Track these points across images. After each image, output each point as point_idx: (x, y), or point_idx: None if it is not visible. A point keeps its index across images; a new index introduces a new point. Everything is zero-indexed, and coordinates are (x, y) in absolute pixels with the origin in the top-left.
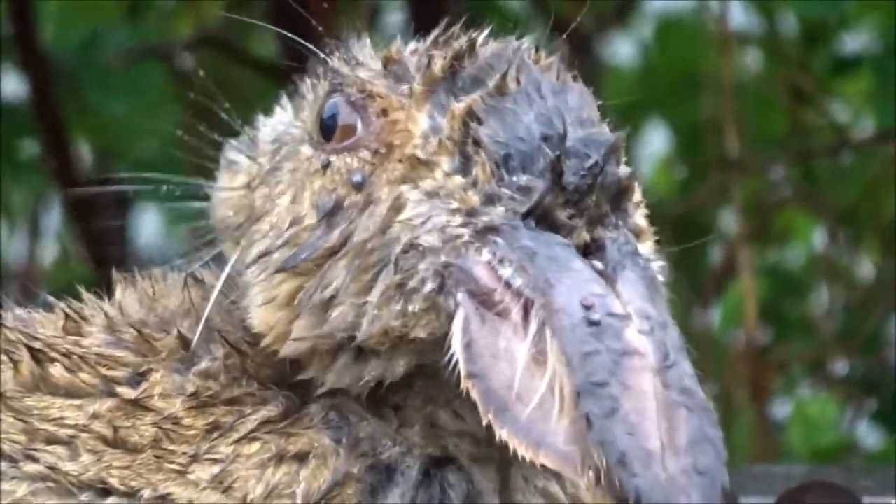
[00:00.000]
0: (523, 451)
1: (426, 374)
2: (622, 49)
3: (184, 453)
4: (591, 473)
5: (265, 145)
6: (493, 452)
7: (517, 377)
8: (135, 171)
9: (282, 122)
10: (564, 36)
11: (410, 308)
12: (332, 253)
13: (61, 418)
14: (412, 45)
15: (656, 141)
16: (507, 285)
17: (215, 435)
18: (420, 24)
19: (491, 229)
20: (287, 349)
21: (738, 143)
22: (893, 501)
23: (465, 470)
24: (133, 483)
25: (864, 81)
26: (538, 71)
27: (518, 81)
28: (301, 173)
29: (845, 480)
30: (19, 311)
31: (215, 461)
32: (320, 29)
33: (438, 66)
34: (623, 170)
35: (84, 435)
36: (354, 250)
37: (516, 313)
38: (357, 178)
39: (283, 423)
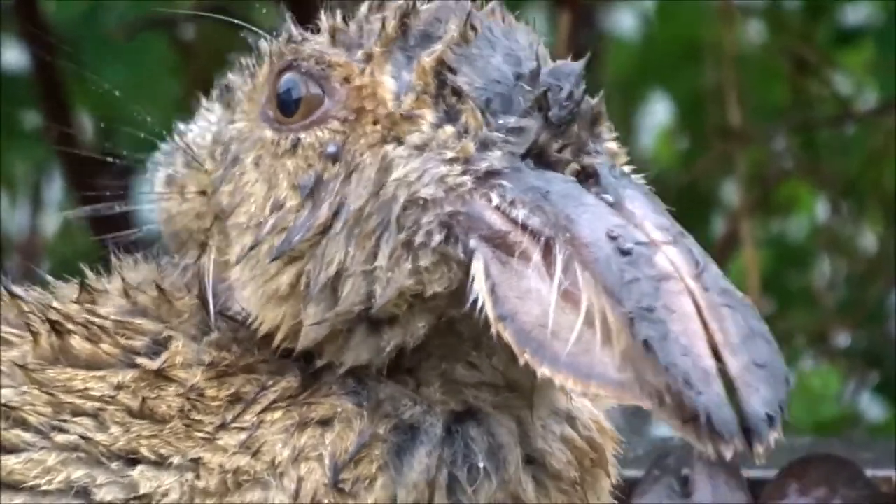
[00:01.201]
0: (570, 385)
1: (440, 332)
2: (624, 20)
3: (210, 423)
4: (653, 397)
5: (203, 150)
6: (512, 399)
7: (550, 315)
8: (136, 142)
9: (213, 123)
10: (567, 7)
11: (422, 264)
12: (326, 228)
13: (86, 390)
14: (367, 4)
15: (659, 112)
16: (523, 227)
17: (239, 407)
18: None
19: (493, 173)
20: (304, 340)
21: (740, 113)
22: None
23: (486, 423)
24: (163, 451)
25: (867, 52)
26: (484, 16)
27: (474, 29)
28: (269, 158)
29: (847, 452)
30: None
31: (242, 429)
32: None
33: (391, 26)
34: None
35: (111, 407)
36: (351, 219)
37: (537, 254)
38: (331, 148)
39: (303, 394)
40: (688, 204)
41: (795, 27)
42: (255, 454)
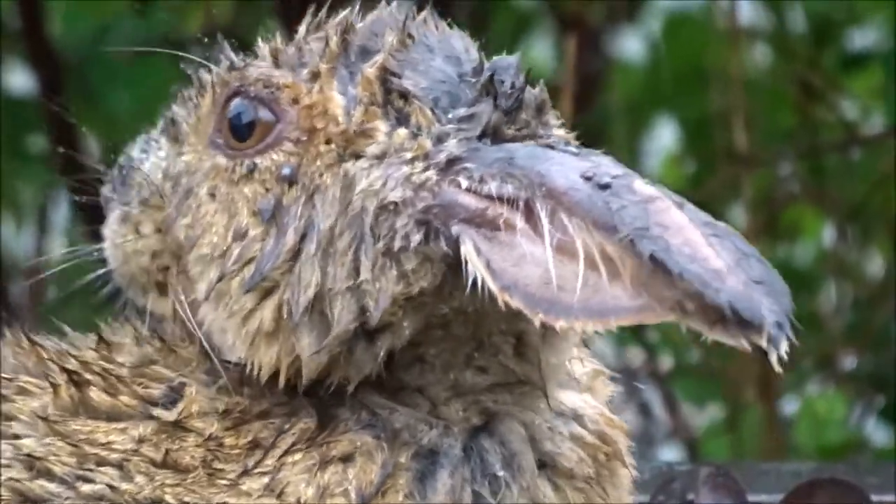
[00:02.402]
0: (592, 327)
1: (437, 340)
2: (631, 44)
3: (232, 470)
4: (675, 309)
5: (151, 187)
6: (529, 394)
7: (551, 271)
8: None
9: (161, 158)
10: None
11: (407, 268)
12: (295, 253)
13: (109, 443)
14: (304, 26)
15: (665, 136)
16: (499, 199)
17: (259, 453)
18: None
19: (455, 160)
20: (308, 373)
21: (746, 138)
22: None
23: (497, 433)
24: (187, 498)
25: (874, 77)
26: (419, 25)
27: (411, 37)
28: (225, 186)
29: (853, 477)
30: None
31: (264, 473)
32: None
33: (334, 43)
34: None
35: (135, 458)
36: (324, 240)
37: (520, 220)
38: (286, 171)
39: (321, 434)
40: None
41: (802, 52)
42: (279, 495)
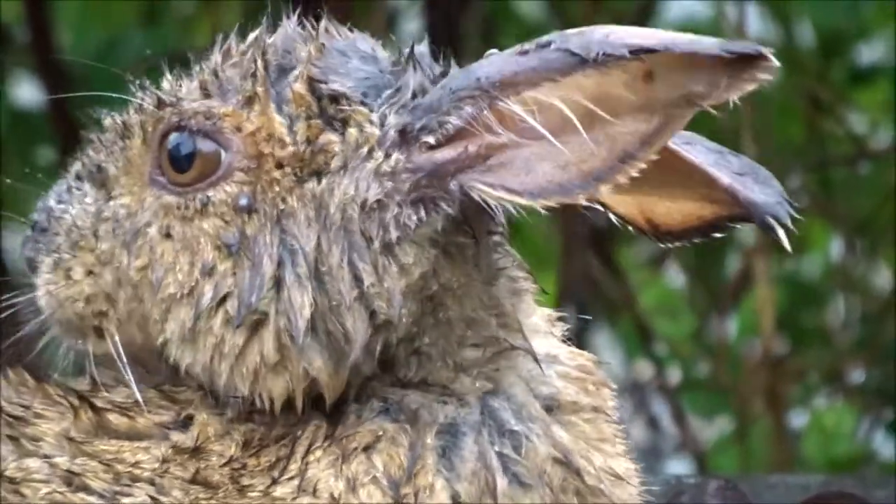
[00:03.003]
0: (634, 173)
1: (427, 327)
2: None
3: (262, 483)
4: (686, 86)
5: (86, 231)
6: (520, 352)
7: (562, 154)
8: None
9: (89, 204)
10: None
11: (406, 260)
12: (277, 280)
13: (137, 462)
14: (207, 65)
15: None
16: (468, 130)
17: (281, 465)
18: (436, 28)
19: (405, 129)
20: (333, 393)
21: (755, 152)
22: None
23: (500, 389)
24: None
25: (882, 91)
26: (325, 34)
27: (323, 46)
28: (179, 224)
29: (861, 491)
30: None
31: (292, 478)
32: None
33: (261, 66)
34: None
35: (167, 476)
36: (311, 262)
37: (500, 133)
38: (243, 201)
39: (335, 431)
40: (703, 242)
41: (811, 66)
42: (313, 493)
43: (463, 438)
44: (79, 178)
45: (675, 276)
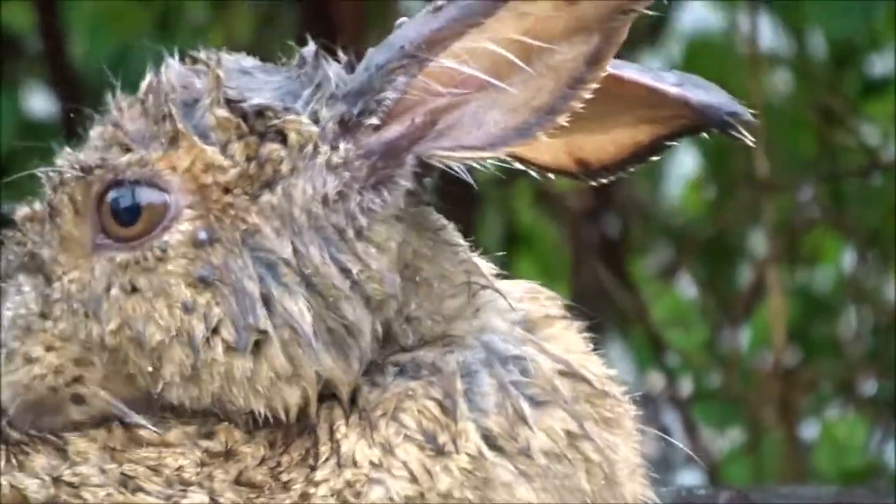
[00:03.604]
0: (596, 83)
1: (410, 292)
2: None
3: (301, 472)
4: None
5: (33, 316)
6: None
7: (510, 93)
8: None
9: (28, 292)
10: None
11: (379, 239)
12: (266, 297)
13: (181, 467)
14: (114, 112)
15: (686, 161)
16: (411, 103)
17: (312, 454)
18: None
19: (343, 118)
20: (348, 388)
21: (767, 163)
22: None
23: (486, 326)
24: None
25: (894, 103)
26: (213, 61)
27: (218, 75)
28: (142, 276)
29: (873, 501)
30: None
31: (327, 459)
32: (349, 42)
33: (170, 106)
34: None
35: (214, 479)
36: (294, 267)
37: (439, 88)
38: (202, 235)
39: (353, 407)
40: (715, 253)
41: (822, 77)
42: (354, 465)
43: (478, 376)
44: (6, 276)
45: (687, 288)
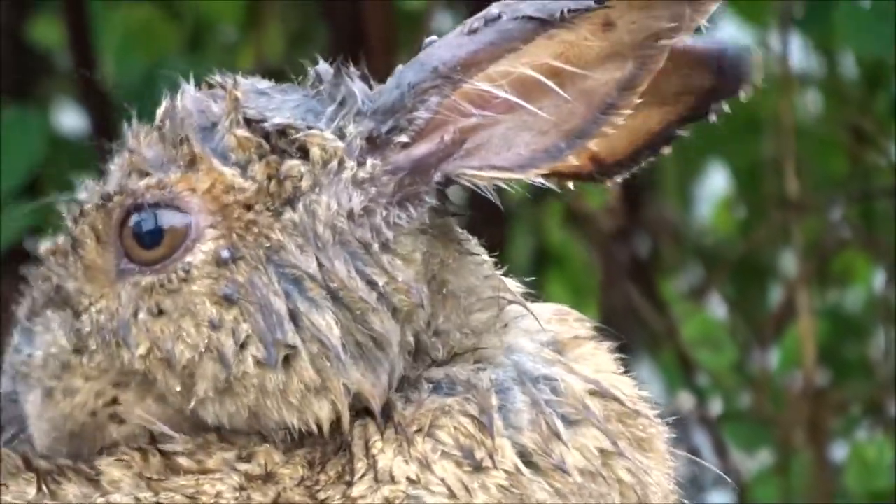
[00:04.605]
0: (623, 114)
1: (438, 304)
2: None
3: (339, 490)
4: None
5: (65, 353)
6: None
7: (540, 115)
8: None
9: (56, 329)
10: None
11: (404, 251)
12: (294, 313)
13: (219, 493)
14: (131, 140)
15: (717, 181)
16: (441, 121)
17: (348, 471)
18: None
19: (371, 134)
20: (379, 402)
21: (797, 184)
22: None
23: (514, 346)
24: None
25: None
26: (230, 84)
27: (237, 96)
28: (168, 298)
29: None
30: None
31: (363, 475)
32: (379, 61)
33: (187, 130)
34: None
35: (251, 502)
36: (319, 281)
37: (471, 109)
38: (225, 254)
39: (387, 423)
40: (745, 273)
41: (853, 98)
42: (391, 481)
43: (511, 393)
44: (33, 314)
45: (717, 308)
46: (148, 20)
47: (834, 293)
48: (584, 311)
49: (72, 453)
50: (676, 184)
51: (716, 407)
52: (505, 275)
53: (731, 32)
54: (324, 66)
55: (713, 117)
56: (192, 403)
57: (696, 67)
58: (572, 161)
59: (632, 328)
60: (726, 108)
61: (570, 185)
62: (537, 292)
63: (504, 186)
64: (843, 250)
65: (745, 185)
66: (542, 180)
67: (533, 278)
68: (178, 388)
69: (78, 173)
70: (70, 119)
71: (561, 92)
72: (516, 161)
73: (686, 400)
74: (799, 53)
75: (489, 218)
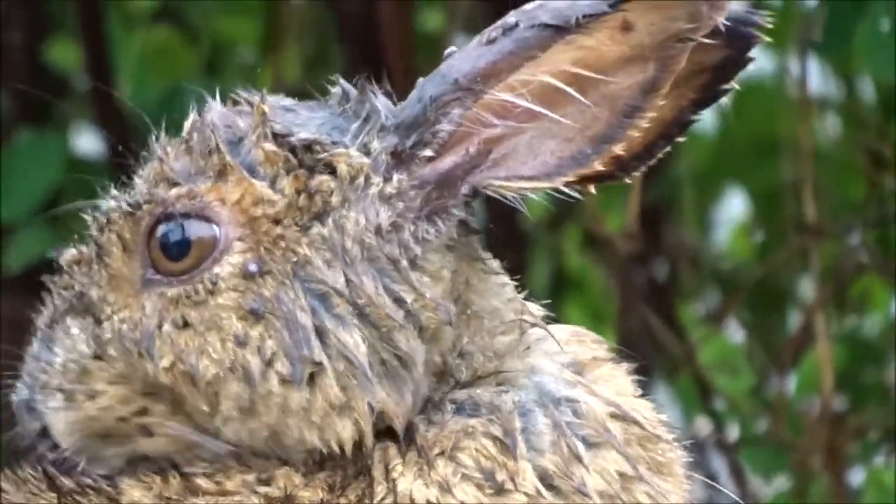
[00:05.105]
0: (647, 117)
1: (463, 325)
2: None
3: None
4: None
5: (86, 359)
6: None
7: (563, 123)
8: None
9: (77, 335)
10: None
11: (433, 267)
12: (321, 330)
13: None
14: (159, 151)
15: (735, 206)
16: (465, 133)
17: (368, 494)
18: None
19: (396, 149)
20: (402, 422)
21: (816, 208)
22: None
23: (535, 367)
24: None
25: None
26: (255, 100)
27: (264, 111)
28: (193, 310)
29: None
30: None
31: (383, 499)
32: (397, 84)
33: (217, 141)
34: None
35: None
36: (346, 297)
37: (493, 119)
38: (252, 267)
39: (409, 446)
40: (763, 298)
41: (871, 122)
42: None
43: (533, 415)
44: (53, 322)
45: (734, 333)
46: (165, 42)
47: (852, 318)
48: (602, 335)
49: (99, 454)
50: (694, 208)
51: (733, 432)
52: (524, 298)
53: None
54: (348, 85)
55: (724, 98)
56: (218, 422)
57: (701, 43)
58: (598, 167)
59: (649, 352)
60: (735, 85)
61: (592, 188)
62: (555, 316)
63: (532, 196)
64: (860, 275)
65: (763, 210)
66: (567, 188)
67: (551, 302)
68: (206, 408)
69: (95, 195)
70: (87, 141)
71: (582, 99)
72: (543, 169)
73: (703, 424)
74: (817, 77)
75: (508, 241)
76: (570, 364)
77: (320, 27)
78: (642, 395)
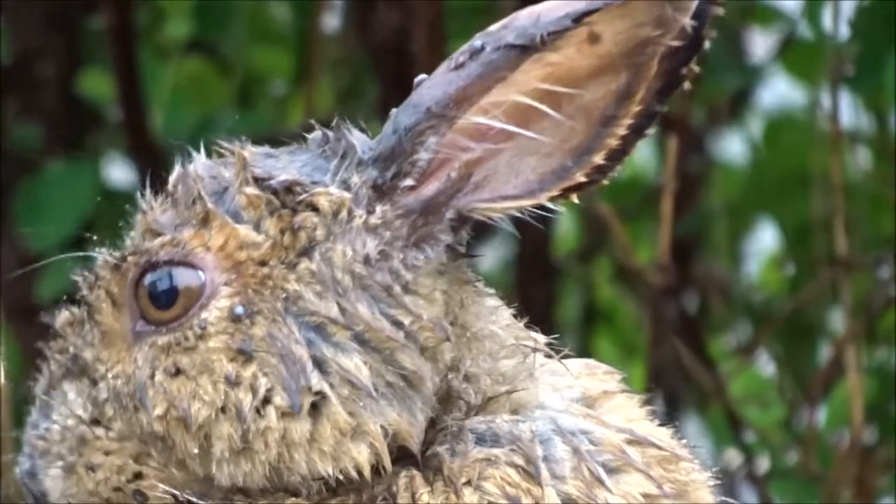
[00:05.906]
0: (633, 114)
1: (464, 346)
2: (732, 146)
3: None
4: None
5: (83, 425)
6: None
7: (539, 140)
8: None
9: (73, 400)
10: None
11: (425, 291)
12: (318, 361)
13: None
14: (143, 205)
15: (766, 238)
16: (444, 160)
17: None
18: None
19: (376, 182)
20: (416, 442)
21: (846, 241)
22: None
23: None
24: None
25: None
26: (238, 147)
27: (244, 156)
28: (184, 357)
29: None
30: None
31: None
32: None
33: (200, 190)
34: None
35: None
36: (342, 324)
37: (471, 144)
38: (239, 310)
39: (433, 475)
40: (793, 331)
41: None
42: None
43: (552, 443)
44: (50, 388)
45: (765, 365)
46: (198, 73)
47: (882, 351)
48: (633, 368)
49: None
50: (726, 241)
51: (763, 464)
52: (555, 331)
53: (781, 90)
54: (324, 128)
55: (687, 82)
56: (212, 467)
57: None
58: (580, 178)
59: (680, 385)
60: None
61: (575, 198)
62: (586, 349)
63: (518, 214)
64: (890, 308)
65: (793, 243)
66: (551, 203)
67: (582, 335)
68: (196, 451)
69: (127, 226)
70: (120, 171)
71: (555, 114)
72: (526, 187)
73: (733, 457)
74: (849, 111)
75: (539, 274)
76: (579, 399)
77: (353, 59)
78: (670, 426)
